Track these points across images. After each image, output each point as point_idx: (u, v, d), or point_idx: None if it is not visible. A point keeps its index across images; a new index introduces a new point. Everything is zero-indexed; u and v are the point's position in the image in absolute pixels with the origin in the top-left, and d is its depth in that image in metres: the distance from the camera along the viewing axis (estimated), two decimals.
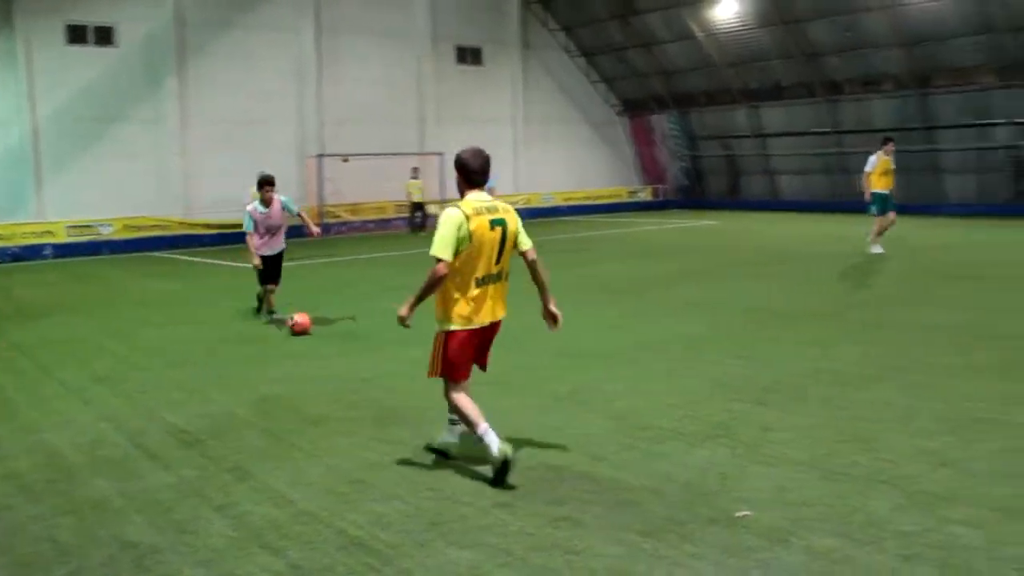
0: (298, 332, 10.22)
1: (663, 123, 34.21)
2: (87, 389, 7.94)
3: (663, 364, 8.21)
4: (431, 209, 25.69)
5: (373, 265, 18.43)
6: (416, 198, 25.65)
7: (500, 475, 5.05)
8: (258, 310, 11.70)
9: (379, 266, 18.13)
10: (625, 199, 34.11)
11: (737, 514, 4.56)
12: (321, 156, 26.14)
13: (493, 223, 5.20)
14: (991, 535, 4.24)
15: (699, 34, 29.78)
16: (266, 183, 11.05)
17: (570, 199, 31.73)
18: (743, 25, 28.62)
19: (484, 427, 5.14)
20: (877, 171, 15.97)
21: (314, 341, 9.96)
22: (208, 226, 24.36)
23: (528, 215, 28.94)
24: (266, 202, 11.00)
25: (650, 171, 35.42)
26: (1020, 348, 8.35)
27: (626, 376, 7.76)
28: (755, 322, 10.23)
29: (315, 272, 17.05)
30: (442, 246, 5.09)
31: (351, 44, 27.64)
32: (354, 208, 27.06)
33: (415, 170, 26.04)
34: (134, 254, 22.19)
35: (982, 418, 6.12)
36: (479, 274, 5.18)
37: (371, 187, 26.62)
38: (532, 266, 5.42)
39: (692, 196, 34.07)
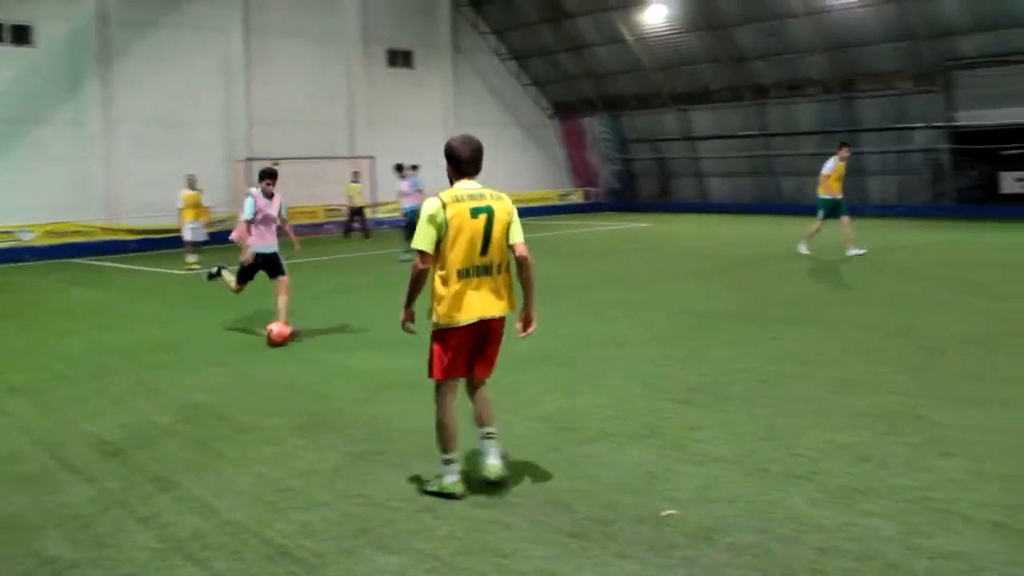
0: (276, 343, 9.68)
1: (594, 126, 34.50)
2: (3, 401, 7.70)
3: (592, 365, 8.28)
4: (366, 213, 25.51)
5: (305, 270, 18.19)
6: (357, 202, 25.37)
7: (436, 494, 4.97)
8: (211, 275, 11.09)
9: (311, 271, 17.91)
10: (557, 202, 34.30)
11: (663, 513, 4.63)
12: (251, 160, 25.74)
13: (475, 211, 4.88)
14: (905, 526, 4.38)
15: (629, 38, 30.11)
16: (269, 176, 10.30)
17: None
18: (672, 29, 29.01)
19: (453, 456, 4.98)
20: (834, 175, 16.25)
21: (243, 348, 9.82)
22: (132, 231, 23.79)
23: None
24: (267, 195, 10.28)
25: (581, 174, 35.68)
26: (935, 345, 8.64)
27: (555, 377, 7.81)
28: (684, 322, 10.39)
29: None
30: (417, 237, 4.86)
31: (281, 46, 27.27)
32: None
33: (356, 174, 25.75)
34: (55, 261, 21.53)
35: (898, 413, 6.32)
36: (460, 265, 4.86)
37: (302, 191, 26.26)
38: (519, 263, 5.03)
39: (623, 199, 34.40)
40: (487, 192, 5.03)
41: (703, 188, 32.35)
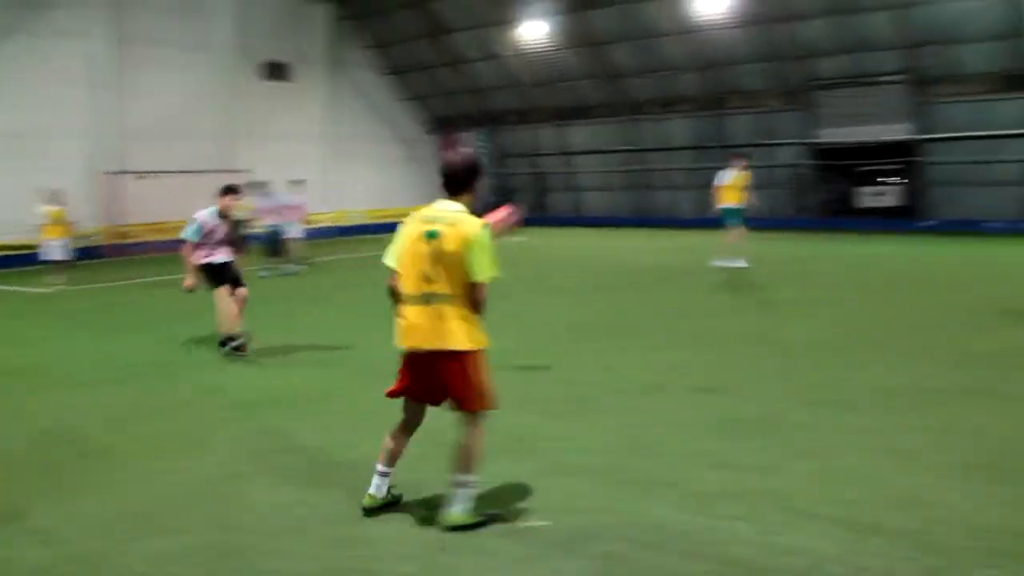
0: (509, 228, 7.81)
1: (472, 141, 34.65)
2: None
3: None
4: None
5: (177, 286, 17.59)
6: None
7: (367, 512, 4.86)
8: (223, 344, 9.68)
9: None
10: None
11: (530, 524, 4.65)
12: (116, 173, 24.76)
13: (427, 234, 4.57)
14: (762, 526, 4.55)
15: (507, 54, 30.42)
16: (233, 192, 9.74)
17: (379, 216, 31.40)
18: (550, 46, 29.46)
19: (383, 470, 4.88)
20: (731, 186, 16.66)
21: (107, 369, 9.39)
22: None
23: (337, 233, 28.63)
24: (225, 213, 9.62)
25: None
26: (794, 352, 9.01)
27: None
28: (557, 336, 10.50)
29: (100, 295, 16.14)
30: (387, 252, 4.78)
31: (152, 55, 26.24)
32: (157, 227, 25.72)
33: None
34: None
35: (758, 418, 6.55)
36: (407, 290, 4.62)
37: (175, 205, 25.36)
38: (470, 304, 4.70)
39: None
40: (445, 216, 4.64)
41: (579, 202, 32.91)
